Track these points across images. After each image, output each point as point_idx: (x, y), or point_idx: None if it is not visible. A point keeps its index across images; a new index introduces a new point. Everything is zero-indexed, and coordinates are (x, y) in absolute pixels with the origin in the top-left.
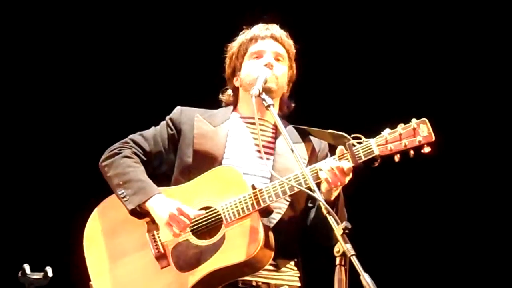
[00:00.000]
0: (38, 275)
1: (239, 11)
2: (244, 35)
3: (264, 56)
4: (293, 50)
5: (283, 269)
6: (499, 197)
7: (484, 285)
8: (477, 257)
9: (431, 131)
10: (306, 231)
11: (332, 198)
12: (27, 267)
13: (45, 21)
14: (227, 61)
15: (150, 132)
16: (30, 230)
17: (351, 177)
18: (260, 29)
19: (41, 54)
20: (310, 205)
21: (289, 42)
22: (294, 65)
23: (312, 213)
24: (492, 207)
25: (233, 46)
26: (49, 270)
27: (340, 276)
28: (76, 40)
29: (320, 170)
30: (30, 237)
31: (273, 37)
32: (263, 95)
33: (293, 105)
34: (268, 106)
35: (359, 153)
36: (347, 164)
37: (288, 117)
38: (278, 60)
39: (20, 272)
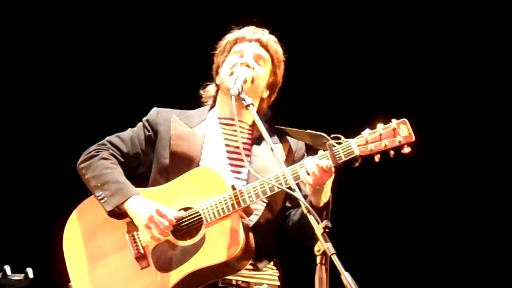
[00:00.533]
0: (18, 277)
1: (217, 12)
2: (232, 34)
3: (244, 56)
4: (279, 56)
5: (263, 268)
6: (479, 197)
7: (466, 284)
8: (458, 256)
9: (411, 131)
10: (286, 231)
11: (321, 204)
12: (7, 268)
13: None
14: (214, 58)
15: (127, 133)
16: (11, 232)
17: (333, 178)
18: (248, 31)
19: (12, 55)
20: (288, 205)
21: (276, 48)
22: (279, 72)
23: (292, 215)
24: (471, 207)
25: (221, 44)
26: (30, 272)
27: (321, 275)
28: (52, 41)
29: (301, 168)
30: (11, 238)
31: (258, 41)
32: (243, 95)
33: (270, 113)
34: (248, 105)
35: (339, 153)
36: (327, 163)
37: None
38: (258, 63)
39: (0, 274)
